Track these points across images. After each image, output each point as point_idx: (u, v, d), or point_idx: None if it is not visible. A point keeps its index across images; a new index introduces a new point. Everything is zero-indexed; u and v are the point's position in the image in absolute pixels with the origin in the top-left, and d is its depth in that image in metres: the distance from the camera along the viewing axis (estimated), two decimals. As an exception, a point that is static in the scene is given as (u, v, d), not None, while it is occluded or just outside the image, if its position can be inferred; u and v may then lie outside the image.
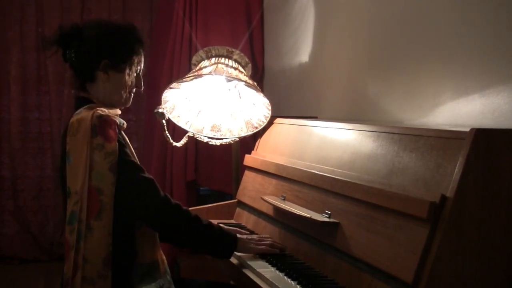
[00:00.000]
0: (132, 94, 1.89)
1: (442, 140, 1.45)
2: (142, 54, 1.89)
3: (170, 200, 1.77)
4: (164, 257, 1.85)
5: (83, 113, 1.74)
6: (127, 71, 1.84)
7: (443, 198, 1.35)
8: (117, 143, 1.71)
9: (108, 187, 1.69)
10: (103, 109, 1.77)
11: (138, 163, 1.78)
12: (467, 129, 1.36)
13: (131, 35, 1.86)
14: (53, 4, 4.11)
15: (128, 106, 1.90)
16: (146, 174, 1.75)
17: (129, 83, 1.85)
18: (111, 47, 1.82)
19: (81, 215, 1.68)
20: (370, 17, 2.39)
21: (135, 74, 1.87)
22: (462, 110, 1.83)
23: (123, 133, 1.82)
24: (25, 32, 4.12)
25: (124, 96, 1.86)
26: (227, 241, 1.83)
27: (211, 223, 1.83)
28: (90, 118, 1.71)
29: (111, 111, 1.80)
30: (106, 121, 1.71)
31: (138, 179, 1.73)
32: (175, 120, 2.55)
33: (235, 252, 1.86)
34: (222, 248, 1.83)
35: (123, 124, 1.80)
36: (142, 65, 1.90)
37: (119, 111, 1.87)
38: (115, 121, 1.74)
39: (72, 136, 1.72)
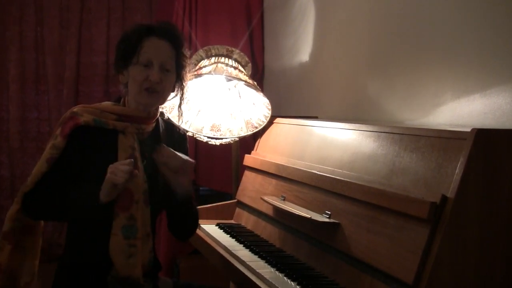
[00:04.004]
0: (149, 93, 1.77)
1: (443, 140, 1.44)
2: (152, 41, 1.77)
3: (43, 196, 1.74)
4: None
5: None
6: (132, 65, 1.77)
7: (444, 198, 1.34)
8: (65, 140, 1.72)
9: (36, 176, 1.73)
10: (98, 105, 1.79)
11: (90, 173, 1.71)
12: (468, 129, 1.36)
13: (130, 37, 1.79)
14: (52, 3, 4.10)
15: (146, 106, 1.79)
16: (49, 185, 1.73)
17: (138, 76, 1.76)
18: (116, 55, 1.82)
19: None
20: (370, 16, 2.39)
21: (142, 66, 1.76)
22: (463, 110, 1.83)
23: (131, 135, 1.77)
24: (24, 31, 4.11)
25: (136, 91, 1.77)
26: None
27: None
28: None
29: (116, 108, 1.79)
30: (70, 117, 1.75)
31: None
32: (174, 119, 2.54)
33: None
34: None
35: (103, 124, 1.75)
36: (161, 55, 1.77)
37: (125, 110, 1.80)
38: (76, 120, 1.73)
39: None
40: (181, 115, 1.96)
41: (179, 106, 1.93)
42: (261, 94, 2.47)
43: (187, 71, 1.88)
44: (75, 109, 1.78)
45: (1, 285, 1.77)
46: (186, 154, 1.94)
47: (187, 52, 1.87)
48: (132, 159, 1.67)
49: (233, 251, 1.97)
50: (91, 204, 1.66)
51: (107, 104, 1.83)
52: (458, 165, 1.35)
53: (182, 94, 1.90)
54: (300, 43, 3.01)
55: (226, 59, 2.51)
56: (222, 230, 2.28)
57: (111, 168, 1.64)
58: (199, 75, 2.43)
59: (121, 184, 1.62)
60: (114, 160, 1.72)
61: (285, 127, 2.39)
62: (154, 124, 1.87)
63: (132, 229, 1.72)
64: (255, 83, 2.51)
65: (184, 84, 1.88)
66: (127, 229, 1.71)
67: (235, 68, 2.48)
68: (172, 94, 1.88)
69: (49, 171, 1.74)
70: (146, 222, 1.76)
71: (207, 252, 2.18)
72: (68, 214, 1.77)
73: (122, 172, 1.62)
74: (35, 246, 1.87)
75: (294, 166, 2.08)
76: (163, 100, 1.84)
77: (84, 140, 1.75)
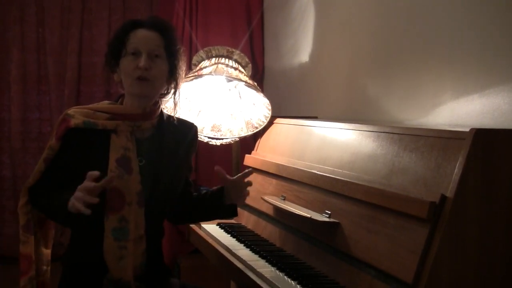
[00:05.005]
0: (141, 81, 1.74)
1: (442, 140, 1.45)
2: (136, 32, 1.77)
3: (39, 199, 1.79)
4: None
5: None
6: (121, 58, 1.77)
7: (443, 198, 1.35)
8: (59, 142, 1.75)
9: (36, 174, 1.78)
10: (95, 105, 1.80)
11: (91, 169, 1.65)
12: (467, 129, 1.37)
13: (118, 33, 1.80)
14: (53, 4, 4.11)
15: (140, 97, 1.77)
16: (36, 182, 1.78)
17: (128, 66, 1.75)
18: (107, 53, 1.83)
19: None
20: (370, 17, 2.39)
21: (131, 56, 1.75)
22: (462, 110, 1.84)
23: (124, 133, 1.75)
24: (26, 32, 4.12)
25: (129, 83, 1.76)
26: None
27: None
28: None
29: (110, 106, 1.80)
30: (63, 119, 1.77)
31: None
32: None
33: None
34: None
35: (93, 125, 1.75)
36: (145, 46, 1.75)
37: (119, 108, 1.79)
38: (67, 122, 1.75)
39: None
40: (175, 105, 1.89)
41: (174, 93, 1.86)
42: (261, 94, 2.48)
43: (180, 59, 1.84)
44: (69, 110, 1.78)
45: (32, 275, 1.80)
46: (194, 150, 1.98)
47: (178, 42, 1.84)
48: (100, 186, 1.61)
49: (233, 251, 1.98)
50: (65, 213, 1.64)
51: (103, 103, 1.84)
52: (457, 165, 1.35)
53: (176, 84, 1.85)
54: (300, 44, 3.02)
55: (227, 59, 2.52)
56: (222, 230, 2.29)
57: (78, 189, 1.60)
58: (200, 76, 2.44)
59: (82, 212, 1.58)
60: (107, 161, 1.72)
61: (285, 127, 2.40)
62: (155, 121, 1.83)
63: (123, 231, 1.70)
64: (255, 83, 2.52)
65: (177, 74, 1.83)
66: (118, 231, 1.70)
67: (236, 68, 2.49)
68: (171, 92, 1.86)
69: (46, 170, 1.78)
70: (139, 224, 1.73)
71: (208, 251, 2.19)
72: (55, 218, 1.81)
73: (86, 202, 1.57)
74: (47, 237, 1.90)
75: (294, 166, 2.08)
76: (155, 89, 1.79)
77: (77, 142, 1.75)
